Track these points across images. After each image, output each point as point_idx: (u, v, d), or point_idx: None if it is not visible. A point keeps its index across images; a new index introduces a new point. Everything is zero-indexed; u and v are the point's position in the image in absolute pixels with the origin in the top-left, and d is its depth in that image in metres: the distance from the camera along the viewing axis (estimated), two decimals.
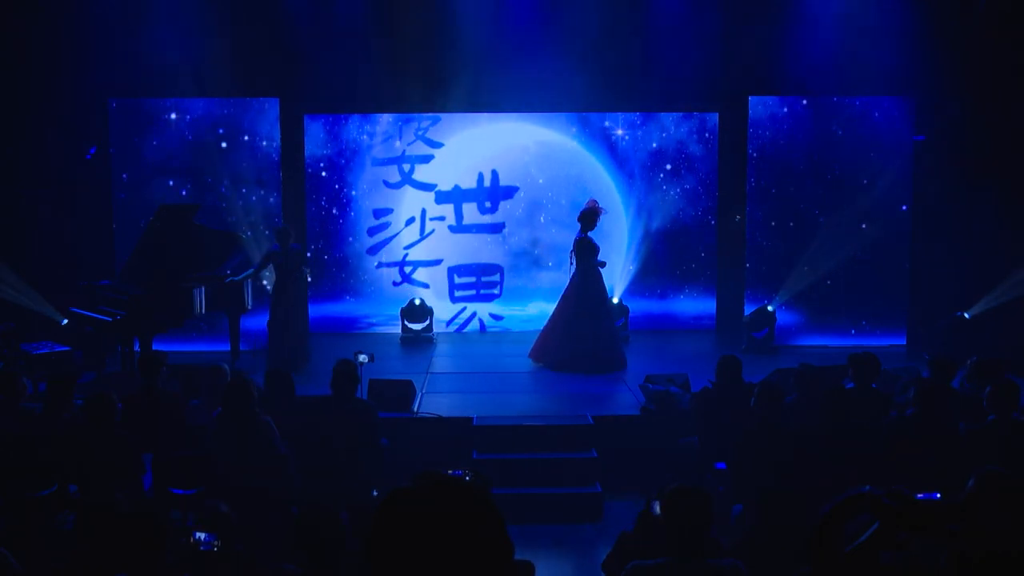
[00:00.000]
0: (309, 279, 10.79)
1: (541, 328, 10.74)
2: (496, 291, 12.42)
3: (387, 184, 12.18)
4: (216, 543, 4.36)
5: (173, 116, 11.60)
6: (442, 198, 12.27)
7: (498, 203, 12.30)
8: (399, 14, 11.34)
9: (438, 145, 12.17)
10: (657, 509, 4.47)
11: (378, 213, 12.22)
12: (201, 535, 4.37)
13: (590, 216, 10.23)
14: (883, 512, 2.55)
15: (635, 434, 8.36)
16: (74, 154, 11.44)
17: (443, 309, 12.26)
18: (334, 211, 12.17)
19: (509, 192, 12.27)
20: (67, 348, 9.93)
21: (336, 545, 4.34)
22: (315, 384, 8.55)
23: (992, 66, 10.81)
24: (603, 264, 10.40)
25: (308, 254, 12.07)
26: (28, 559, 4.57)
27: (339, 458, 6.68)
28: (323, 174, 12.11)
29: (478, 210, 12.31)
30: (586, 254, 10.21)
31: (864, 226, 11.62)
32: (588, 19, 11.41)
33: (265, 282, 10.93)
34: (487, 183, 12.26)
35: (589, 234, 10.23)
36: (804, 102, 11.74)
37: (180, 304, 9.44)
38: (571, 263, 10.33)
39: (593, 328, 10.16)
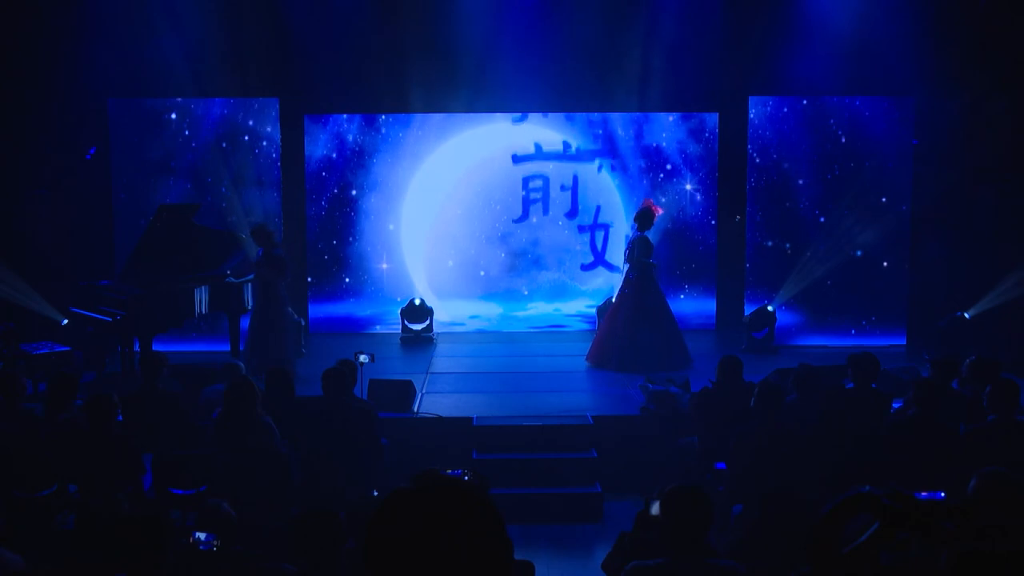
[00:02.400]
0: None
1: (597, 333, 10.70)
2: (497, 291, 12.42)
3: (391, 184, 12.17)
4: (216, 543, 4.36)
5: (173, 116, 11.61)
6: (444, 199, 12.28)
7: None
8: (399, 14, 11.35)
9: (437, 145, 12.18)
10: (656, 509, 4.47)
11: (384, 213, 12.22)
12: (201, 535, 4.37)
13: (646, 215, 10.23)
14: (883, 512, 2.55)
15: (635, 434, 8.36)
16: (74, 154, 11.44)
17: (443, 309, 12.26)
18: (334, 211, 12.17)
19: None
20: (67, 348, 9.93)
21: (335, 545, 4.35)
22: (315, 384, 8.54)
23: (992, 66, 10.81)
24: (655, 265, 10.40)
25: (308, 254, 12.08)
26: (28, 559, 4.57)
27: (339, 458, 6.68)
28: (323, 174, 12.11)
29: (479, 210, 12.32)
30: (644, 254, 10.18)
31: (864, 226, 11.61)
32: (588, 19, 11.42)
33: None
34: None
35: (646, 233, 10.21)
36: (804, 102, 11.74)
37: (180, 304, 9.44)
38: (625, 263, 10.31)
39: (657, 327, 10.13)
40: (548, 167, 12.25)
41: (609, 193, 12.26)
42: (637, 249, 10.19)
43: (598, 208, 12.33)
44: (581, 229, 12.37)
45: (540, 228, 12.33)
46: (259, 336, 9.92)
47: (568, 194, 12.29)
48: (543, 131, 12.21)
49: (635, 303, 10.19)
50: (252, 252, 10.22)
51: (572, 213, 12.35)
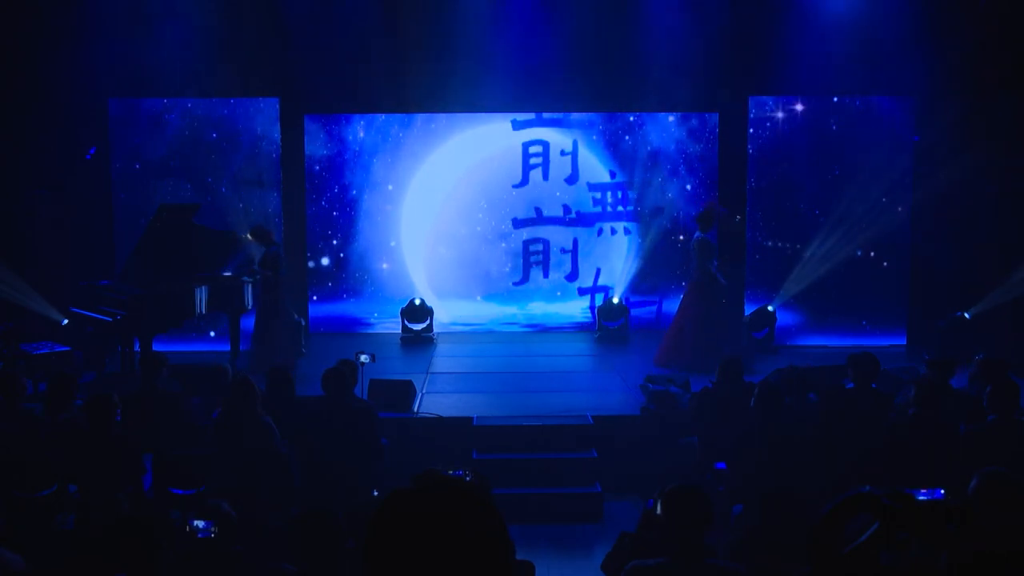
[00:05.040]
0: (254, 280, 10.23)
1: (665, 333, 10.60)
2: (498, 291, 12.43)
3: (390, 184, 12.17)
4: (214, 529, 4.36)
5: (173, 116, 11.61)
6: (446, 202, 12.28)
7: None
8: (399, 14, 11.35)
9: (437, 145, 12.18)
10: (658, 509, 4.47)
11: (384, 213, 12.22)
12: (199, 523, 4.36)
13: (706, 216, 10.19)
14: (883, 512, 2.55)
15: (635, 434, 8.36)
16: (74, 154, 11.44)
17: (443, 309, 12.25)
18: (334, 211, 12.17)
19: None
20: (67, 348, 9.92)
21: (335, 546, 4.35)
22: (315, 384, 8.54)
23: (992, 66, 10.81)
24: (725, 260, 10.35)
25: (308, 254, 12.10)
26: (28, 559, 4.57)
27: (339, 458, 6.68)
28: (323, 174, 12.11)
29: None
30: (706, 255, 10.14)
31: (864, 226, 11.62)
32: (588, 19, 11.42)
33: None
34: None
35: (707, 234, 10.16)
36: (804, 102, 11.75)
37: (180, 304, 9.44)
38: (694, 264, 10.27)
39: (718, 327, 10.09)
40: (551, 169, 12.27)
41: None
42: (697, 251, 10.15)
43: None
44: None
45: (540, 228, 12.33)
46: (260, 334, 10.00)
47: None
48: (543, 132, 12.22)
49: (699, 305, 10.11)
50: (255, 252, 10.27)
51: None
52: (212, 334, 11.51)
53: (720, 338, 9.96)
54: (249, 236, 10.21)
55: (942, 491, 3.18)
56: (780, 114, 11.79)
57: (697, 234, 10.23)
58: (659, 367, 10.19)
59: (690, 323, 10.17)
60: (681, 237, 12.20)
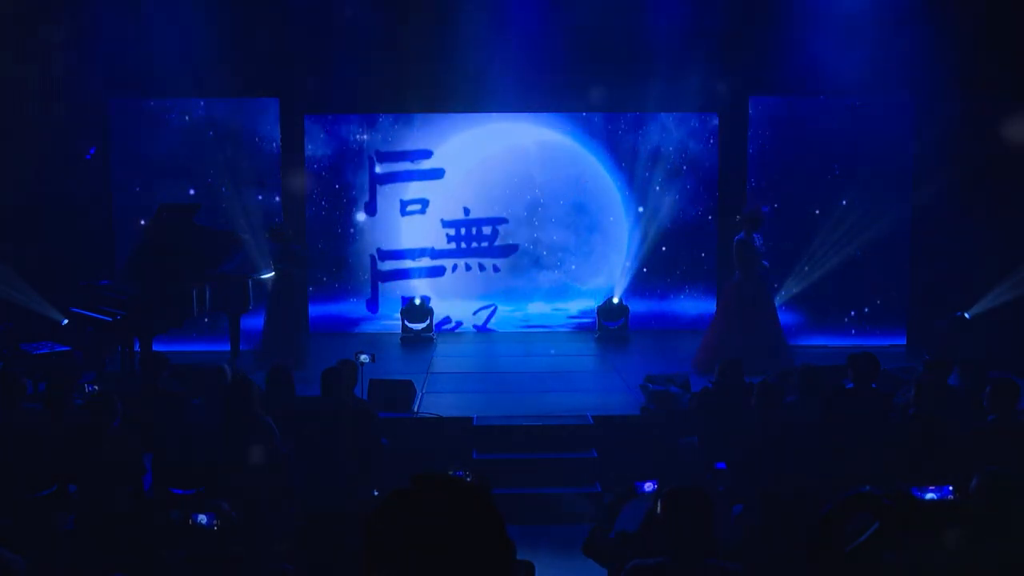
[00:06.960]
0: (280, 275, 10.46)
1: (704, 337, 10.43)
2: (498, 291, 12.42)
3: (391, 185, 12.17)
4: (217, 522, 4.36)
5: (173, 116, 11.60)
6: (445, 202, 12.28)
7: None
8: (399, 14, 11.34)
9: (438, 145, 12.18)
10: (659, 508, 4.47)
11: (384, 213, 12.22)
12: (202, 517, 4.37)
13: (747, 219, 10.12)
14: (883, 512, 2.55)
15: (635, 434, 8.36)
16: (74, 154, 11.43)
17: (443, 309, 12.24)
18: (334, 211, 12.16)
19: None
20: (67, 348, 9.91)
21: (335, 546, 4.35)
22: (315, 384, 8.53)
23: (992, 65, 10.79)
24: (766, 267, 10.21)
25: (308, 254, 12.11)
26: (28, 559, 4.57)
27: (339, 458, 6.68)
28: (323, 174, 12.11)
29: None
30: (748, 257, 10.05)
31: (864, 226, 11.61)
32: (588, 19, 11.41)
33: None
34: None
35: (753, 235, 10.04)
36: (804, 102, 11.74)
37: (180, 304, 9.43)
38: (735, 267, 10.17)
39: (762, 328, 9.96)
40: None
41: (609, 194, 12.26)
42: (738, 254, 10.05)
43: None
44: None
45: (540, 228, 12.34)
46: (273, 330, 10.12)
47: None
48: (543, 130, 12.21)
49: (735, 308, 10.03)
50: (254, 254, 10.32)
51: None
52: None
53: (749, 344, 9.52)
54: (268, 235, 10.39)
55: (950, 488, 3.18)
56: (780, 114, 11.78)
57: (740, 235, 10.07)
58: (700, 372, 9.96)
59: (720, 327, 10.08)
60: (681, 237, 12.14)
